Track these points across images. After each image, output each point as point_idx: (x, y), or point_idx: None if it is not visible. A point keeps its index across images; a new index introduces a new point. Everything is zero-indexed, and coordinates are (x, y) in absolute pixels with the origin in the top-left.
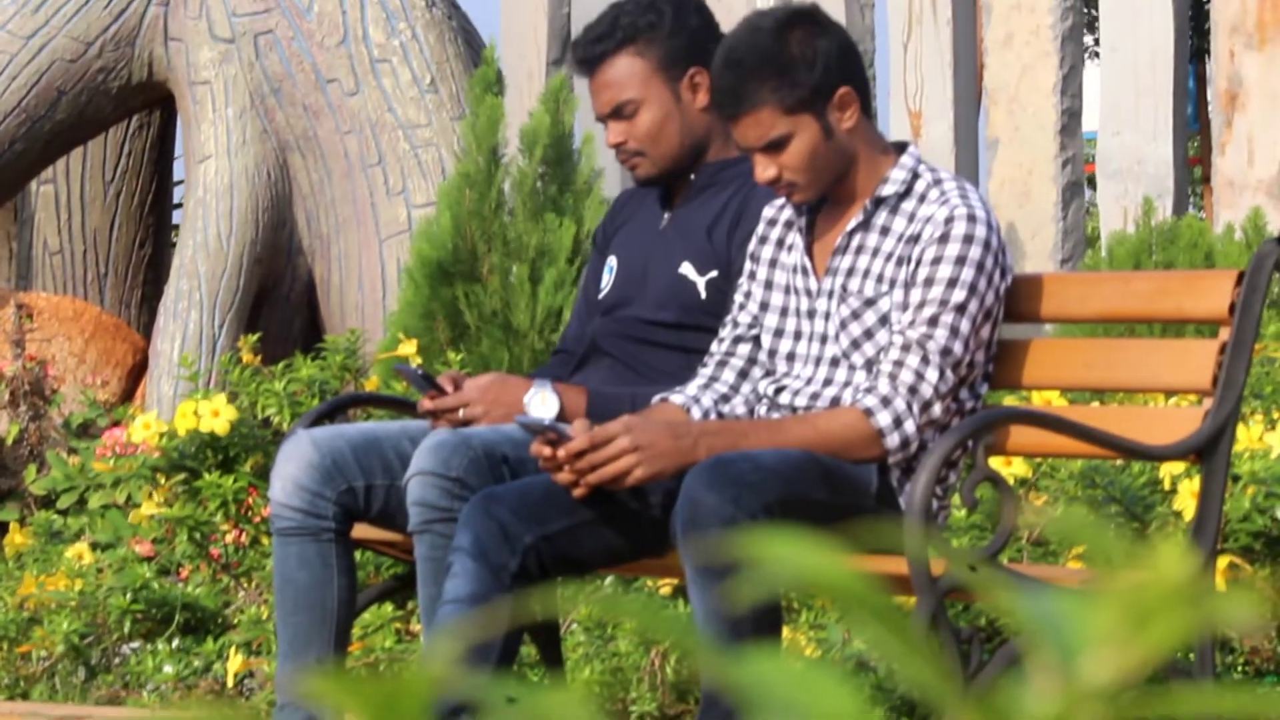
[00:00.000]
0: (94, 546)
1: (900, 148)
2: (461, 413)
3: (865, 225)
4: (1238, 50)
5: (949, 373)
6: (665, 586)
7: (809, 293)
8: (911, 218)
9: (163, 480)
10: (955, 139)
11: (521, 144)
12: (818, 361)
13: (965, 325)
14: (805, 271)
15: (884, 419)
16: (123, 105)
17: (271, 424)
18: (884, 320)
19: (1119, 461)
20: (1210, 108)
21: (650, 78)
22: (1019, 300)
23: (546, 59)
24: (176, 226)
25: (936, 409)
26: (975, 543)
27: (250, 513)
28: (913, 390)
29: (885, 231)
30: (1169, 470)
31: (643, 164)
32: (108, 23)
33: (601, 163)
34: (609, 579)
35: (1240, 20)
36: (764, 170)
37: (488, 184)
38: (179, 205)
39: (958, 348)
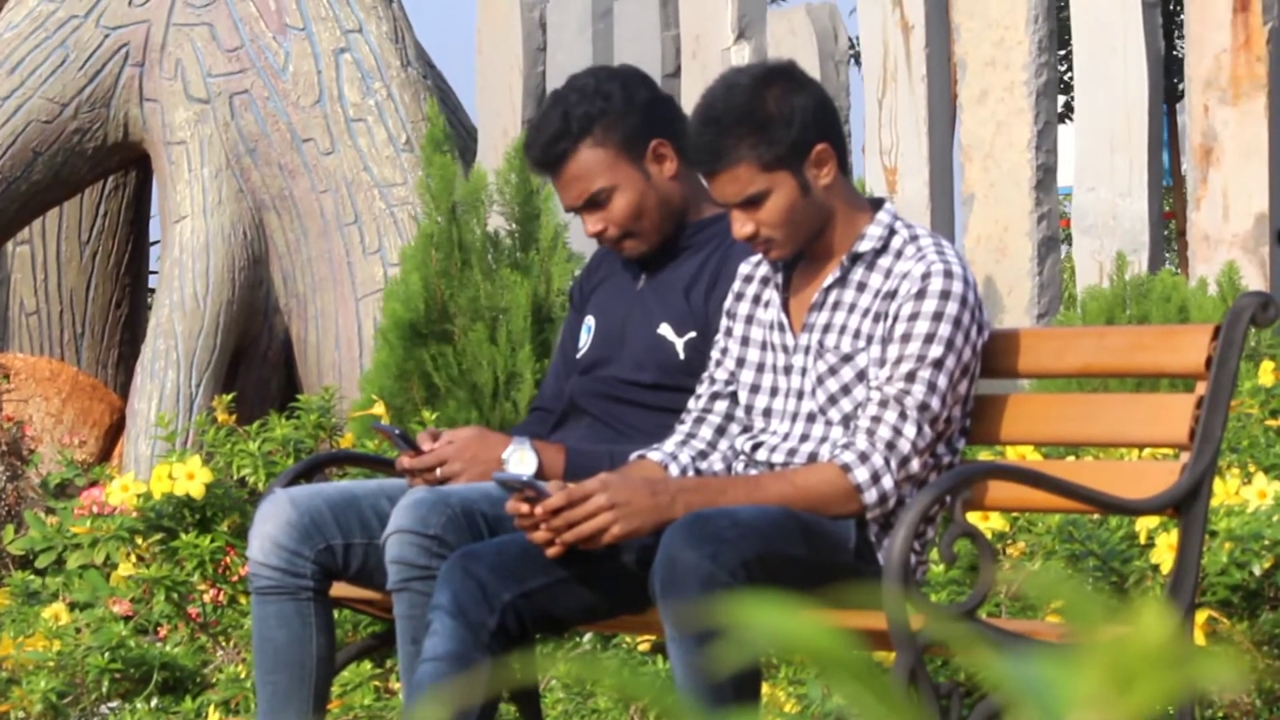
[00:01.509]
0: (72, 606)
1: (877, 204)
2: (439, 471)
3: (842, 281)
4: (1212, 105)
5: (926, 428)
6: (644, 643)
7: (785, 349)
8: (888, 274)
9: (140, 541)
10: (931, 195)
11: (465, 204)
12: (794, 417)
13: (943, 381)
14: (782, 328)
15: (862, 475)
16: (99, 166)
17: (247, 484)
18: (861, 376)
19: (1096, 516)
20: (1185, 162)
21: (615, 162)
22: (995, 355)
23: (521, 117)
24: (153, 287)
25: (914, 464)
26: (954, 598)
27: (228, 572)
28: (890, 446)
29: (862, 288)
30: (1146, 525)
31: (631, 245)
32: (83, 84)
33: (566, 218)
34: (587, 636)
35: (1214, 75)
36: (741, 226)
37: (451, 243)
38: (155, 269)
39: (935, 403)
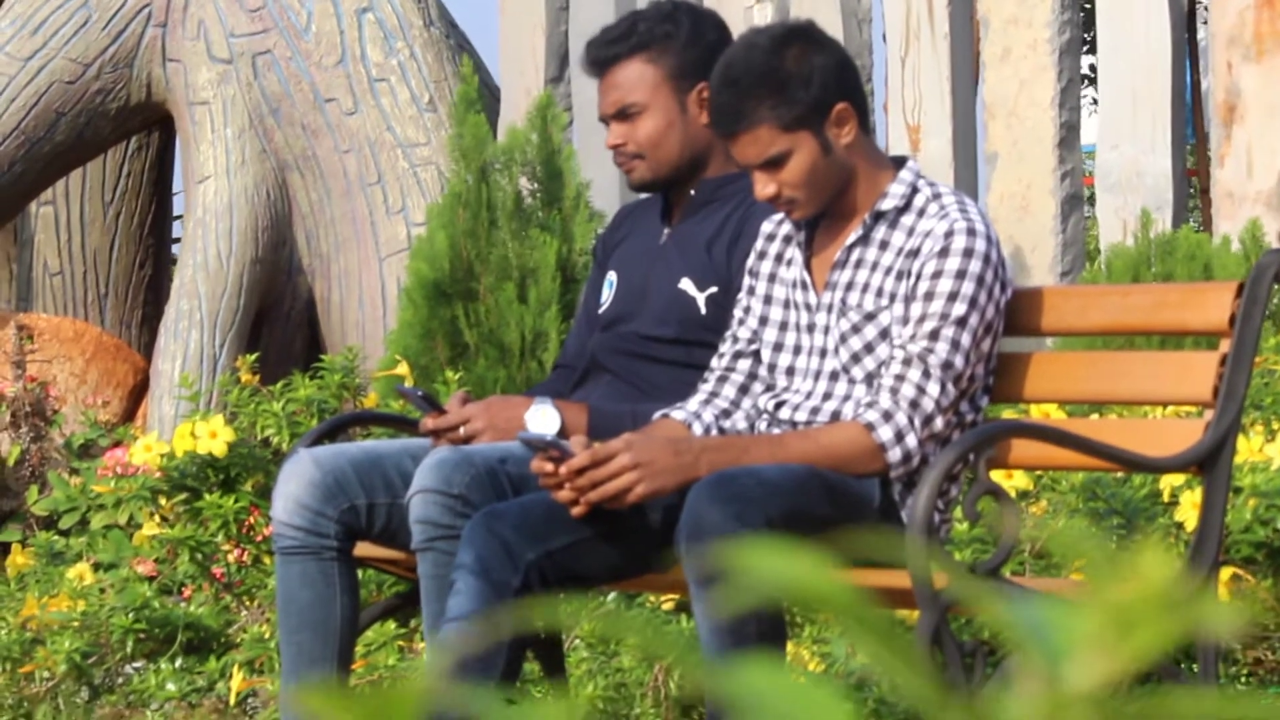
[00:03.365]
0: (96, 567)
1: (899, 162)
2: (462, 430)
3: (864, 240)
4: (1235, 62)
5: (950, 386)
6: (668, 602)
7: (808, 307)
8: (911, 231)
9: (164, 501)
10: (954, 153)
11: (500, 161)
12: (817, 375)
13: (966, 339)
14: (805, 286)
15: (886, 433)
16: (121, 126)
17: (271, 444)
18: (884, 334)
19: (1120, 474)
20: (1208, 120)
21: (659, 85)
22: (1019, 314)
23: (545, 77)
24: (178, 242)
25: (938, 423)
26: (977, 556)
27: (252, 532)
28: (914, 404)
29: (884, 246)
30: (1170, 482)
31: (639, 168)
32: (106, 44)
33: (589, 176)
34: (611, 595)
35: (1238, 32)
36: (763, 187)
37: (479, 202)
38: (179, 219)
39: (959, 361)
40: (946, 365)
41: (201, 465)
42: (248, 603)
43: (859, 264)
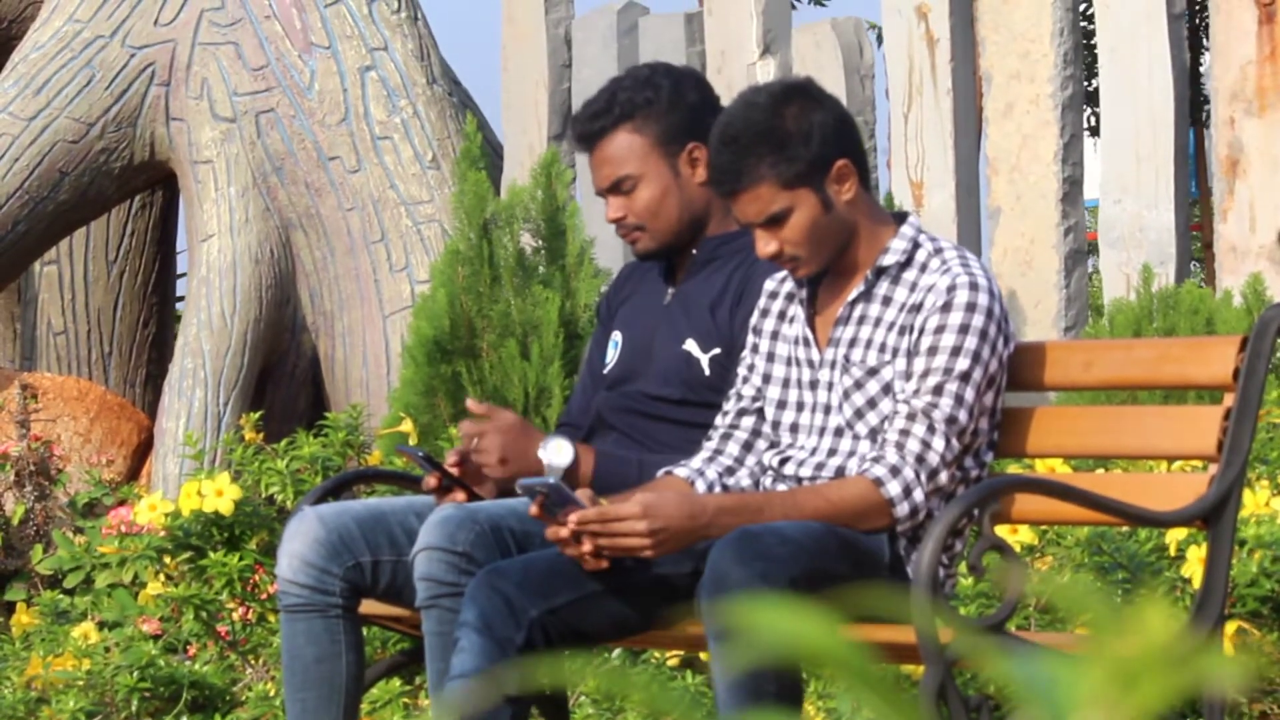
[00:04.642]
0: (101, 626)
1: (900, 218)
2: (474, 455)
3: (867, 295)
4: (1238, 117)
5: (954, 441)
6: (673, 658)
7: (811, 364)
8: (913, 287)
9: (169, 559)
10: (957, 208)
11: (502, 218)
12: (821, 432)
13: (970, 393)
14: (807, 343)
15: (894, 489)
16: (125, 185)
17: (276, 502)
18: (887, 389)
19: (1125, 528)
20: (1211, 174)
21: (649, 153)
22: (1023, 368)
23: (547, 134)
24: (181, 302)
25: (943, 477)
26: (982, 611)
27: (257, 590)
28: (920, 459)
29: (887, 301)
30: (1175, 537)
31: (642, 238)
32: (109, 103)
33: (593, 233)
34: (616, 651)
35: (1240, 86)
36: (765, 245)
37: (480, 259)
38: (182, 278)
39: (963, 416)
40: (950, 420)
41: (206, 524)
42: (253, 661)
43: (862, 320)
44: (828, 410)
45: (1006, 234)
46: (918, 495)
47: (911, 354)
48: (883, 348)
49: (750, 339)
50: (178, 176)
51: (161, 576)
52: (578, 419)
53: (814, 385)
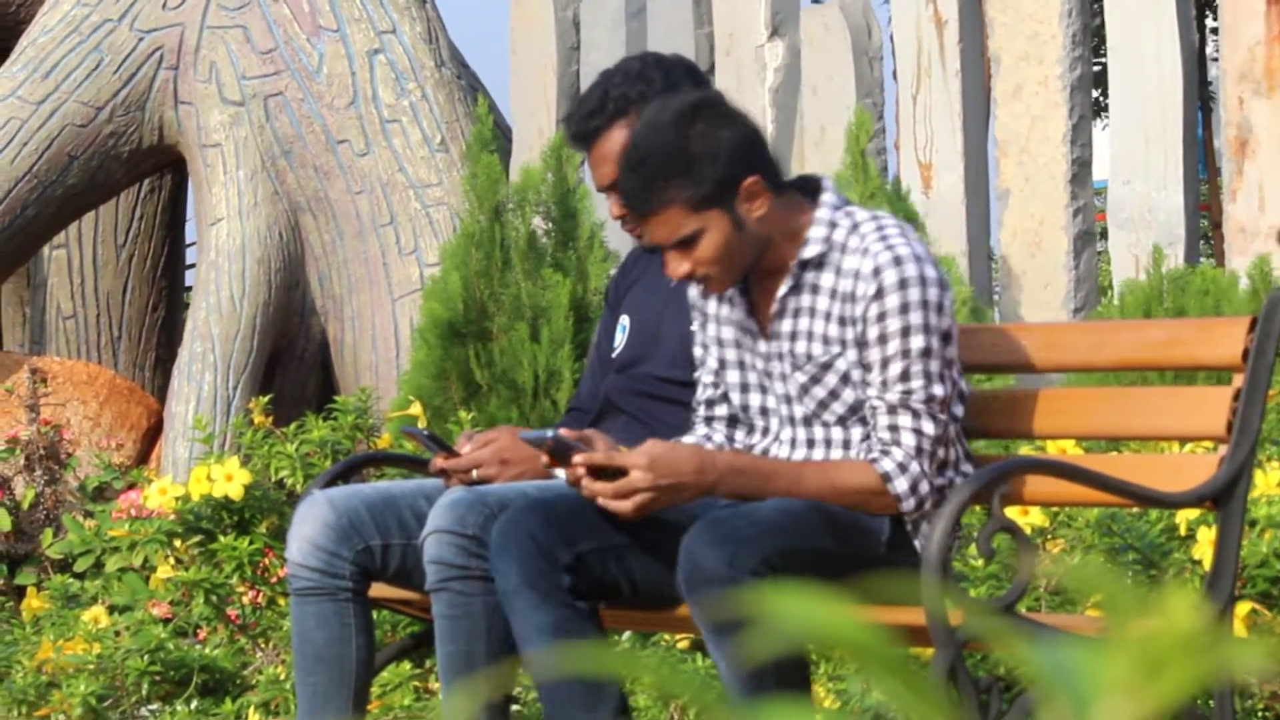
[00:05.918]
0: (111, 609)
1: (812, 189)
2: (475, 474)
3: (796, 289)
4: (1246, 97)
5: (941, 416)
6: (683, 641)
7: (761, 355)
8: (839, 270)
9: (179, 543)
10: (966, 190)
11: (513, 201)
12: (792, 421)
13: (935, 365)
14: (751, 333)
15: (901, 485)
16: (134, 169)
17: (285, 485)
18: (845, 379)
19: (1135, 510)
20: (1220, 155)
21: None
22: (1033, 349)
23: (556, 117)
24: (189, 289)
25: (941, 454)
26: (993, 592)
27: (267, 574)
28: (919, 450)
29: (816, 289)
30: (1186, 518)
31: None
32: (118, 88)
33: (603, 216)
34: (626, 634)
35: (1249, 67)
36: (677, 266)
37: (492, 242)
38: (191, 267)
39: (939, 390)
40: (930, 399)
41: (216, 507)
42: (263, 644)
43: (797, 313)
44: (789, 400)
45: (1016, 215)
46: (924, 486)
47: (860, 344)
48: (826, 339)
49: (695, 316)
50: (186, 160)
51: (171, 560)
52: (586, 403)
53: (769, 374)
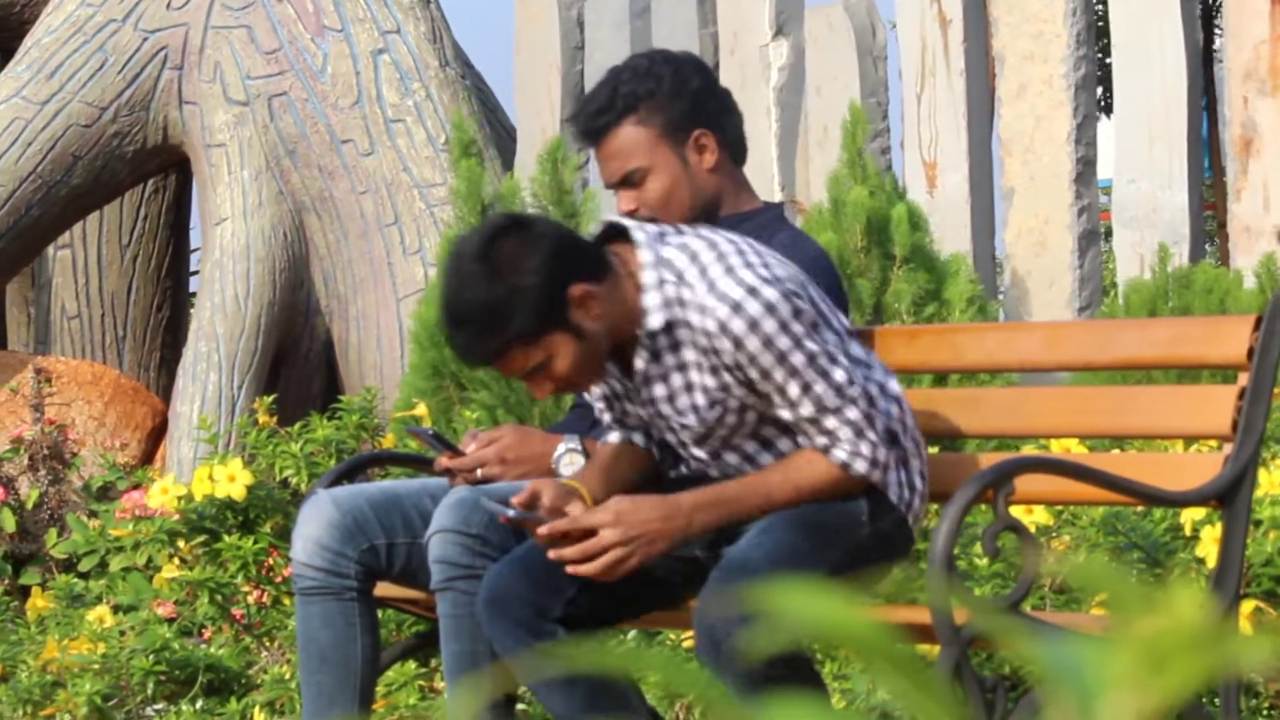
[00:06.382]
0: (116, 609)
1: (620, 233)
2: (480, 473)
3: (655, 357)
4: (1251, 96)
5: (853, 396)
6: (688, 640)
7: (644, 416)
8: (689, 327)
9: (183, 543)
10: (970, 190)
11: (500, 205)
12: (712, 459)
13: (822, 360)
14: (625, 397)
15: (860, 465)
16: (138, 169)
17: (290, 485)
18: (742, 409)
19: (1140, 508)
20: (1224, 154)
21: (655, 144)
22: (1038, 348)
23: (560, 116)
24: (194, 289)
25: (879, 423)
26: (998, 591)
27: (271, 573)
28: (859, 433)
29: (676, 348)
30: (1190, 517)
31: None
32: (122, 88)
33: (607, 214)
34: (632, 632)
35: (1253, 66)
36: (539, 390)
37: None
38: (195, 272)
39: (839, 375)
40: (838, 389)
41: (220, 507)
42: (268, 644)
43: (665, 377)
44: (686, 445)
45: (1020, 215)
46: (881, 454)
47: (750, 386)
48: (705, 389)
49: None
50: (191, 160)
51: (176, 560)
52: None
53: (665, 430)
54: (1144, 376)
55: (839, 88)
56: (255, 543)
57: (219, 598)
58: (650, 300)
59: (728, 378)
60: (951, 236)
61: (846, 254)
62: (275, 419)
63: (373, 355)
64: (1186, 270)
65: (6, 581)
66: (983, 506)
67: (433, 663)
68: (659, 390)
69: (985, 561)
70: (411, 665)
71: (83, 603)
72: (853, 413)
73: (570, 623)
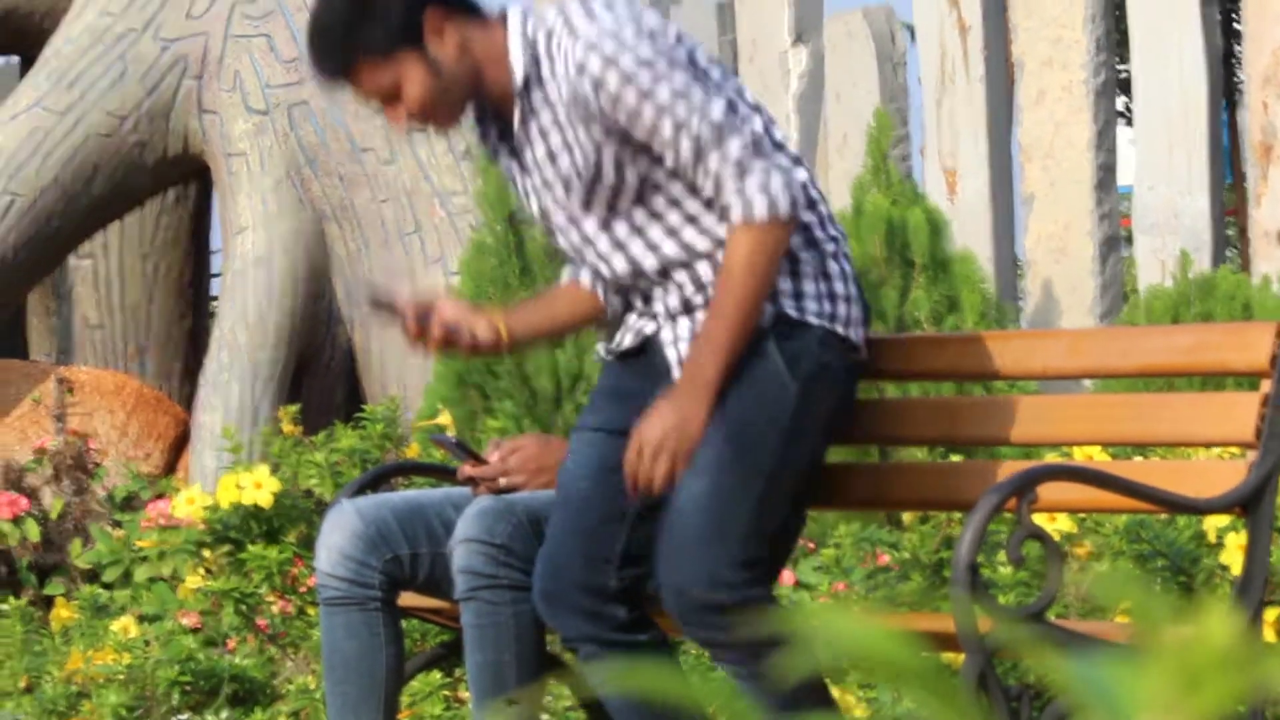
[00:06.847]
0: (140, 619)
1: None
2: (503, 482)
3: (529, 114)
4: (1271, 101)
5: (737, 132)
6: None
7: (535, 189)
8: (554, 75)
9: (207, 553)
10: (991, 196)
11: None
12: (615, 245)
13: (696, 94)
14: (524, 169)
15: (759, 207)
16: (159, 179)
17: (314, 494)
18: (618, 166)
19: (1164, 516)
20: (1244, 160)
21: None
22: (1059, 355)
23: None
24: (215, 298)
25: (767, 150)
26: (1021, 600)
27: (296, 583)
28: (742, 169)
29: (547, 103)
30: (1215, 524)
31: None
32: (142, 97)
33: None
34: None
35: (1273, 71)
36: (394, 117)
37: (506, 250)
38: (217, 276)
39: (716, 111)
40: (715, 127)
41: (244, 517)
42: (293, 654)
43: (543, 134)
44: (581, 218)
45: (1041, 221)
46: (775, 185)
47: (624, 136)
48: (579, 145)
49: (507, 177)
50: (211, 169)
51: (200, 570)
52: None
53: (555, 202)
54: (1166, 383)
55: (858, 94)
56: (280, 552)
57: (244, 608)
58: (515, 54)
59: (595, 130)
60: (972, 243)
61: (866, 263)
62: (299, 428)
63: (395, 364)
64: (1208, 276)
65: (31, 592)
66: (1006, 514)
67: (457, 673)
68: (539, 150)
69: (1009, 570)
70: (436, 675)
71: (107, 613)
72: (733, 148)
73: (627, 596)
